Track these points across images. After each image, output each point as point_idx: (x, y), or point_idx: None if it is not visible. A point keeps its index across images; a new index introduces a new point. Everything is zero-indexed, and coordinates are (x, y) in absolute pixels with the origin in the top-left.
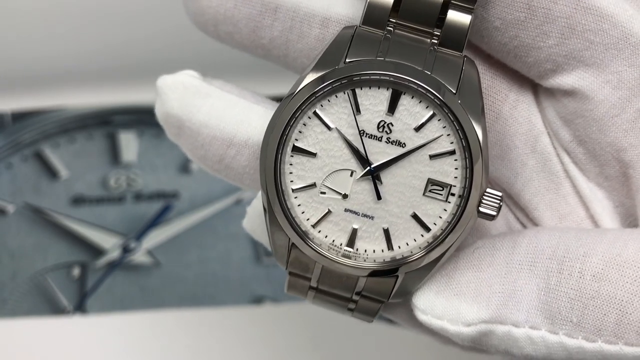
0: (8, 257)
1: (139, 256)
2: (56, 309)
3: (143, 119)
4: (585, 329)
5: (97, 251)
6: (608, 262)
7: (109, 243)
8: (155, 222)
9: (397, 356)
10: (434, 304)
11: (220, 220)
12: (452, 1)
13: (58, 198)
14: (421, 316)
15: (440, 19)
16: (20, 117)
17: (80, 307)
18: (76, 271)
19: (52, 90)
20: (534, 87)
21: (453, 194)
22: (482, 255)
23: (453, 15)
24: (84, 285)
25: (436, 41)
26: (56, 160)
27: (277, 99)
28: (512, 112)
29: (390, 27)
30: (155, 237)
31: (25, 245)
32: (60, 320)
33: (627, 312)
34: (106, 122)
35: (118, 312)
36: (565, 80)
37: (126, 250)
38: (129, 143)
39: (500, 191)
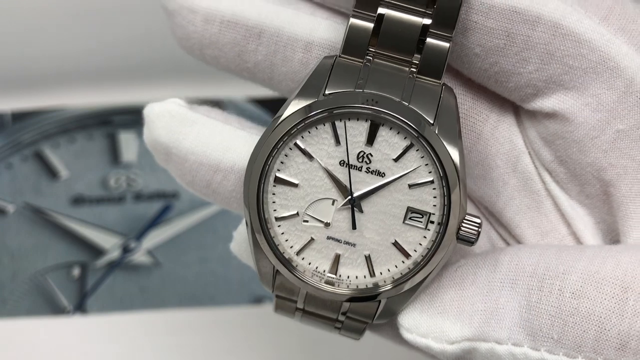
0: (8, 257)
1: (139, 256)
2: (56, 309)
3: (143, 119)
4: (565, 345)
5: (97, 251)
6: (586, 279)
7: (109, 243)
8: (155, 222)
9: (396, 355)
10: (419, 322)
11: (220, 220)
12: (431, 29)
13: (58, 198)
14: (406, 335)
15: (420, 42)
16: (20, 117)
17: (80, 307)
18: (76, 271)
19: (52, 90)
20: (515, 108)
21: (432, 222)
22: (464, 273)
23: (431, 43)
24: (84, 285)
25: (415, 69)
26: (56, 160)
27: (274, 100)
28: (494, 132)
29: (370, 55)
30: (155, 237)
31: (25, 245)
32: (60, 320)
33: (605, 329)
34: (106, 122)
35: (118, 312)
36: (545, 103)
37: (126, 250)
38: (129, 143)
39: (481, 211)
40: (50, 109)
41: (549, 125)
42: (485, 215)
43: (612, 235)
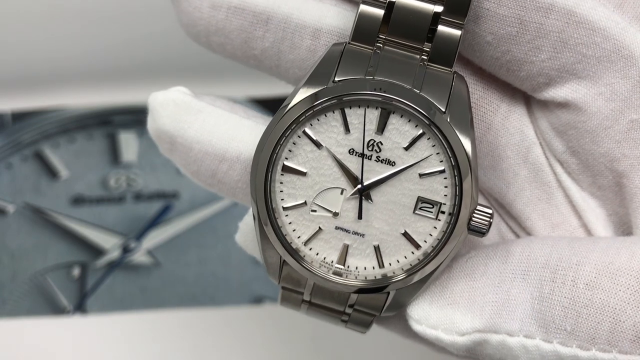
0: (8, 257)
1: (139, 256)
2: (56, 309)
3: (143, 119)
4: (579, 337)
5: (97, 251)
6: (601, 271)
7: (109, 243)
8: (155, 222)
9: (396, 355)
10: (428, 313)
11: (220, 220)
12: (442, 16)
13: (58, 198)
14: (416, 326)
15: (430, 31)
16: (20, 117)
17: (80, 307)
18: (76, 271)
19: (52, 90)
20: (527, 98)
21: (443, 212)
22: (475, 264)
23: (443, 30)
24: (84, 285)
25: (426, 57)
26: (56, 160)
27: (274, 100)
28: (504, 123)
29: (380, 43)
30: (155, 237)
31: (25, 245)
32: (60, 320)
33: (620, 320)
34: (106, 122)
35: (118, 312)
36: (558, 92)
37: (126, 250)
38: (129, 143)
39: (492, 202)
40: (50, 109)
41: (561, 115)
42: (495, 206)
43: (624, 228)
